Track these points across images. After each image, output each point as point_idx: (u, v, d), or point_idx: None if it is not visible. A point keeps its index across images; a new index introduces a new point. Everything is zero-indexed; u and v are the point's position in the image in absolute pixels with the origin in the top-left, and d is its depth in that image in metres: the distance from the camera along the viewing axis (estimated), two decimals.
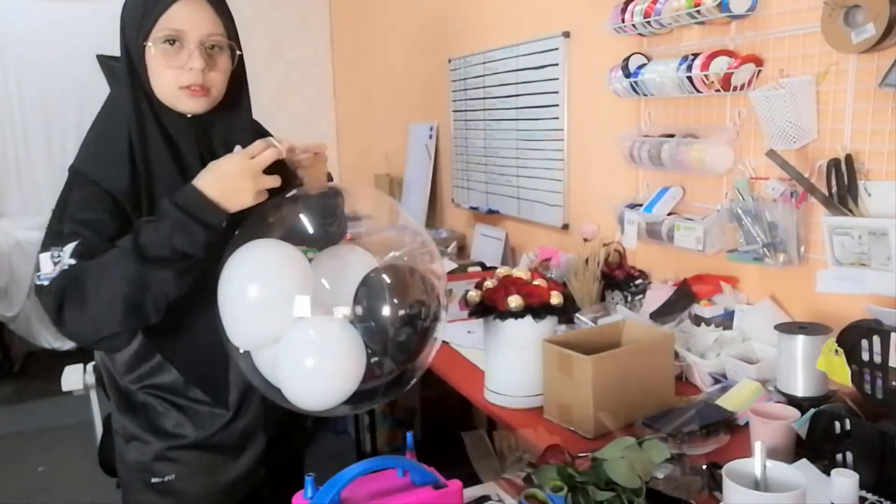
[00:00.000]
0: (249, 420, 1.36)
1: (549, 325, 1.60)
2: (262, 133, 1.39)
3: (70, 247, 1.14)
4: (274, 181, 1.15)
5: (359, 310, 1.06)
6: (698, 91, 1.81)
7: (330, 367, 1.06)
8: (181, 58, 1.21)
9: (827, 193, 1.53)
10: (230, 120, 1.31)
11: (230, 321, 1.10)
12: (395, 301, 1.06)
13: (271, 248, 1.11)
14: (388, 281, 1.08)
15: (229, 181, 1.13)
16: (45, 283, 1.13)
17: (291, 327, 1.06)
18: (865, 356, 1.22)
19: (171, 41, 1.20)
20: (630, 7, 1.95)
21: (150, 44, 1.20)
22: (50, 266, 1.14)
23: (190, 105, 1.24)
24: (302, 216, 1.16)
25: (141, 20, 1.20)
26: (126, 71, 1.23)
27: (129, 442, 1.35)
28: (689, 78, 1.80)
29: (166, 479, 1.33)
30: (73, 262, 1.14)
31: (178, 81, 1.22)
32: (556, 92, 2.51)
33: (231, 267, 1.10)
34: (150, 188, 1.22)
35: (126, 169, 1.21)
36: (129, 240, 1.12)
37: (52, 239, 1.17)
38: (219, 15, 1.24)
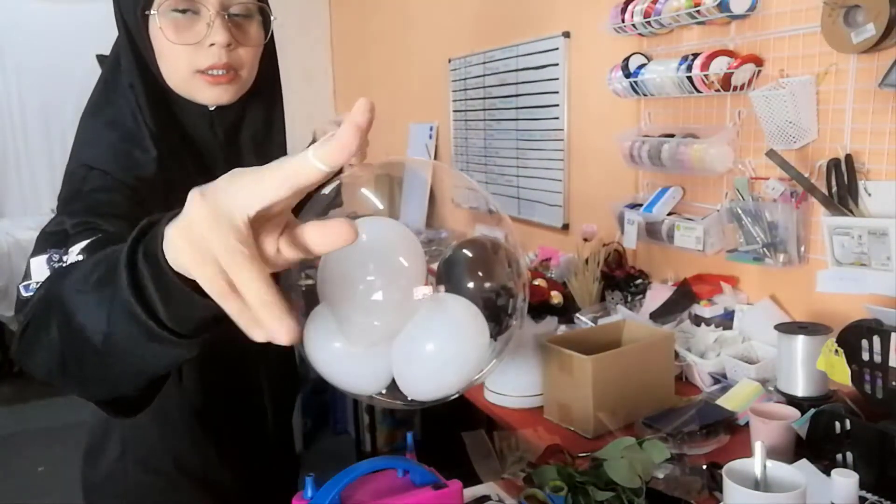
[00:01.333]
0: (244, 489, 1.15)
1: (549, 325, 1.60)
2: None
3: (80, 245, 0.77)
4: (253, 280, 0.46)
5: (442, 290, 0.85)
6: (698, 91, 1.81)
7: (457, 347, 0.84)
8: (197, 30, 0.90)
9: (827, 193, 1.53)
10: (265, 117, 1.03)
11: (346, 320, 0.79)
12: (482, 277, 0.87)
13: (387, 228, 0.83)
14: (471, 255, 0.90)
15: (196, 229, 0.47)
16: (31, 293, 0.74)
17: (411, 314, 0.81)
18: (865, 356, 1.22)
19: (184, 9, 0.90)
20: (630, 7, 1.95)
21: (153, 12, 0.89)
22: (45, 271, 0.77)
23: (211, 94, 0.94)
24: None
25: None
26: (129, 51, 0.93)
27: None
28: (689, 78, 1.79)
29: None
30: (79, 258, 0.76)
31: (194, 63, 0.91)
32: (556, 92, 2.51)
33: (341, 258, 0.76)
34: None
35: (148, 156, 0.91)
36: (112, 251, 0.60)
37: (52, 239, 0.80)
38: None
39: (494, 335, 0.83)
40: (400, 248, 0.81)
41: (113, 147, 0.92)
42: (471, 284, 0.84)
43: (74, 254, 0.77)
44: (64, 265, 0.75)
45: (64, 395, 0.74)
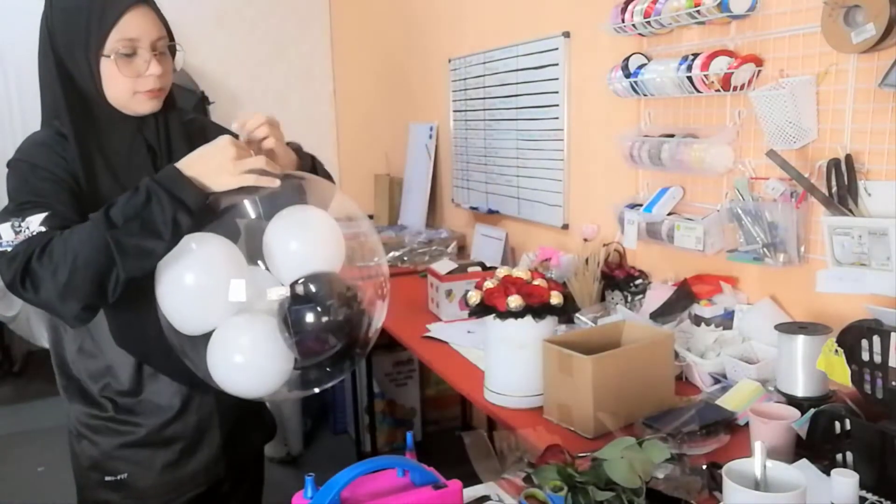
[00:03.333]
0: (203, 414, 1.37)
1: (549, 325, 1.60)
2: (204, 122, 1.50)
3: (36, 217, 1.14)
4: (257, 161, 1.17)
5: (299, 289, 1.16)
6: (698, 91, 1.81)
7: (251, 367, 1.17)
8: (136, 65, 1.24)
9: (827, 193, 1.53)
10: (173, 116, 1.35)
11: (169, 308, 1.17)
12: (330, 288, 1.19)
13: (205, 241, 1.17)
14: (324, 279, 1.19)
15: (210, 159, 1.16)
16: (8, 248, 1.13)
17: (221, 325, 1.16)
18: (865, 356, 1.22)
19: (128, 52, 1.23)
20: (630, 7, 1.95)
21: (110, 57, 1.22)
22: (11, 234, 1.14)
23: (148, 106, 1.28)
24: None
25: (88, 30, 1.21)
26: (56, 78, 1.24)
27: (80, 439, 1.36)
28: (689, 78, 1.79)
29: (119, 477, 1.34)
30: (42, 229, 1.14)
31: (135, 88, 1.25)
32: (556, 92, 2.51)
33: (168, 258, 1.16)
34: (94, 190, 1.24)
35: (69, 155, 1.23)
36: (103, 209, 1.13)
37: (11, 212, 1.16)
38: (159, 18, 1.28)
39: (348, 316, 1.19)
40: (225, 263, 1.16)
41: (47, 149, 1.24)
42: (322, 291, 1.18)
43: (36, 223, 1.14)
44: (32, 232, 1.13)
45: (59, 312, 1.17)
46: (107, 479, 1.34)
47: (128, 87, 1.25)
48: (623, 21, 1.97)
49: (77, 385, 1.35)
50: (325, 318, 1.16)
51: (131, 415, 1.33)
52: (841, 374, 1.25)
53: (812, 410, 1.26)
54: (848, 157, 1.50)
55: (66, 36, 1.23)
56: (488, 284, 1.62)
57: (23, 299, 1.15)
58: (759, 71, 1.70)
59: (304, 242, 1.20)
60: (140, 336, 1.27)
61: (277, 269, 1.19)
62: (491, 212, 3.05)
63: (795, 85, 1.56)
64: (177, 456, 1.36)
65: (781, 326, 1.47)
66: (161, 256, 1.14)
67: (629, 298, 2.09)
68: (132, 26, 1.23)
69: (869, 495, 1.10)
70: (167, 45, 1.30)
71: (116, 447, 1.33)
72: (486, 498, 1.19)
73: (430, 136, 3.57)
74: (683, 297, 1.87)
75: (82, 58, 1.23)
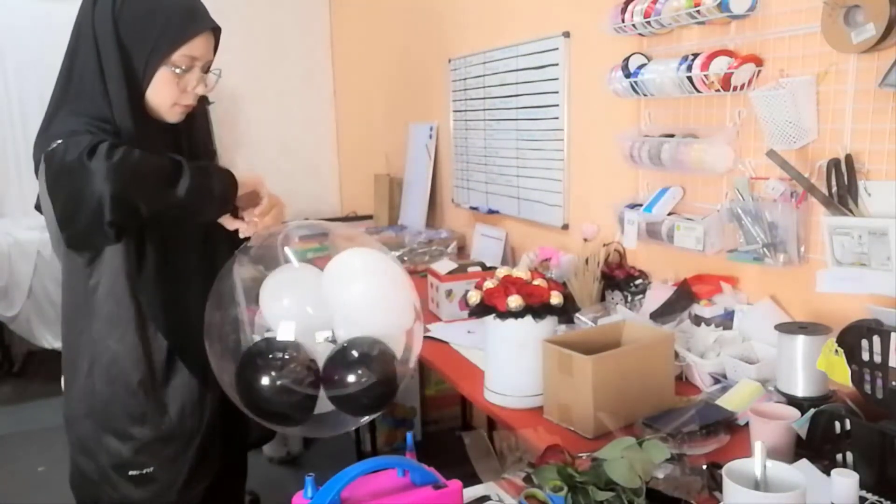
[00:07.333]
0: (215, 408, 1.41)
1: (549, 325, 1.60)
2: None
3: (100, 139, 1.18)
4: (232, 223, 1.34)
5: (347, 353, 1.17)
6: (698, 91, 1.81)
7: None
8: (187, 81, 1.33)
9: (827, 193, 1.53)
10: (193, 126, 1.44)
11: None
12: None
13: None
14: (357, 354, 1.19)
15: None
16: (84, 134, 1.19)
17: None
18: (865, 356, 1.22)
19: (186, 67, 1.31)
20: (630, 7, 1.95)
21: (171, 68, 1.29)
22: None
23: (178, 118, 1.37)
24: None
25: (162, 35, 1.28)
26: (122, 71, 1.27)
27: (103, 434, 1.35)
28: (689, 78, 1.79)
29: (145, 471, 1.35)
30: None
31: (178, 100, 1.33)
32: (556, 92, 2.51)
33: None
34: None
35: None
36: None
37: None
38: (216, 43, 1.37)
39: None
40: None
41: (92, 126, 1.24)
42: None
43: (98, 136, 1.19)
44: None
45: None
46: (131, 473, 1.35)
47: (172, 98, 1.32)
48: (623, 21, 1.97)
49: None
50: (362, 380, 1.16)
51: (160, 406, 1.36)
52: (841, 374, 1.25)
53: (812, 410, 1.26)
54: (848, 157, 1.50)
55: (135, 32, 1.27)
56: (488, 284, 1.62)
57: (71, 165, 1.15)
58: (759, 71, 1.70)
59: (369, 287, 1.21)
60: (181, 318, 1.31)
61: (340, 311, 1.19)
62: (491, 212, 3.05)
63: (795, 85, 1.56)
64: (195, 449, 1.39)
65: (781, 326, 1.47)
66: (199, 212, 1.27)
67: (629, 298, 2.09)
68: (199, 46, 1.31)
69: (869, 495, 1.10)
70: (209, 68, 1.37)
71: (147, 442, 1.35)
72: (486, 498, 1.19)
73: (430, 136, 3.57)
74: (683, 297, 1.87)
75: (141, 57, 1.28)
